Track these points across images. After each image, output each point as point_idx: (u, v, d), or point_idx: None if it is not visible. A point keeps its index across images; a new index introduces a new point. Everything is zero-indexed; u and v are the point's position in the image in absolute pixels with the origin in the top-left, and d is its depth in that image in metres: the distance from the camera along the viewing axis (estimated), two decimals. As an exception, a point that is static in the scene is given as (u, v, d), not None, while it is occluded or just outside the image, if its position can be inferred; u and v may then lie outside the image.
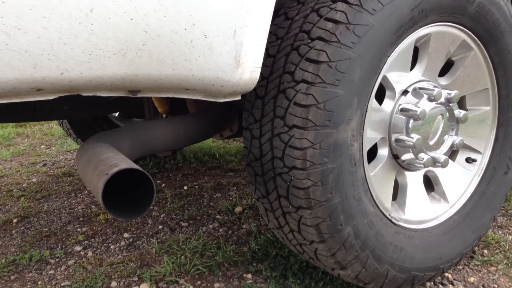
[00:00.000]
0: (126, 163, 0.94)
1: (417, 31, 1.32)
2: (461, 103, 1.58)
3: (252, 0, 1.03)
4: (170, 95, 1.11)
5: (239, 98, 1.16)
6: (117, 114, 2.95)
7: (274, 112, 1.21)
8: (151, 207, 2.20)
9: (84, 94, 1.02)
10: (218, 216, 2.06)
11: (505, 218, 1.97)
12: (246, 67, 1.07)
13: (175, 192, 2.39)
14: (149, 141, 1.41)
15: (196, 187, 2.46)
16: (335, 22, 1.17)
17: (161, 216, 2.10)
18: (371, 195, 1.28)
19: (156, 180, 2.61)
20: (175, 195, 2.35)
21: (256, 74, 1.10)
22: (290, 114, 1.16)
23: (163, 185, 2.53)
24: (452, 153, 1.57)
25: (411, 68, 1.41)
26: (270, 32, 1.30)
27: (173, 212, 2.13)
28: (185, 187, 2.46)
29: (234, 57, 1.05)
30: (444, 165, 1.41)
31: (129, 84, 1.01)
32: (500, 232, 1.85)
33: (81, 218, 2.13)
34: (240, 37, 1.04)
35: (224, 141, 3.41)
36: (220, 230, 1.93)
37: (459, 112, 1.46)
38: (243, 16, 1.03)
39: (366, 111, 1.24)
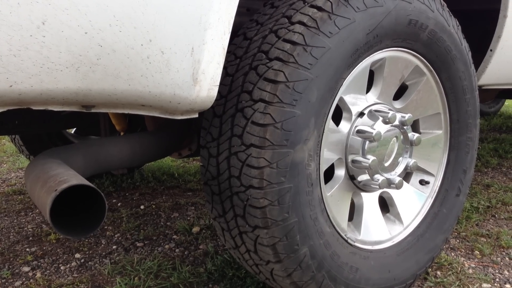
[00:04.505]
0: (76, 179, 0.91)
1: (372, 55, 1.36)
2: (415, 127, 1.62)
3: (210, 19, 1.04)
4: (126, 111, 1.09)
5: (196, 115, 1.16)
6: (73, 131, 2.87)
7: (231, 130, 1.20)
8: (105, 227, 2.14)
9: (34, 108, 0.99)
10: (174, 236, 2.02)
11: (458, 240, 2.02)
12: (203, 84, 1.06)
13: (131, 211, 2.33)
14: (103, 158, 1.38)
15: (153, 206, 2.41)
16: (293, 43, 1.18)
17: (116, 236, 2.04)
18: (328, 216, 1.29)
19: (112, 199, 2.54)
20: (131, 214, 2.29)
21: (214, 92, 1.10)
22: (248, 133, 1.16)
23: (119, 204, 2.46)
24: (406, 175, 1.61)
25: (367, 91, 1.44)
26: (228, 52, 1.31)
27: (128, 232, 2.07)
28: (142, 207, 2.40)
29: (191, 74, 1.04)
30: (398, 186, 1.44)
31: (82, 98, 0.99)
32: (452, 254, 1.89)
33: (30, 238, 2.04)
34: (198, 55, 1.04)
35: (183, 160, 3.37)
36: (177, 250, 1.89)
37: (412, 135, 1.50)
38: (201, 34, 1.03)
39: (323, 132, 1.25)
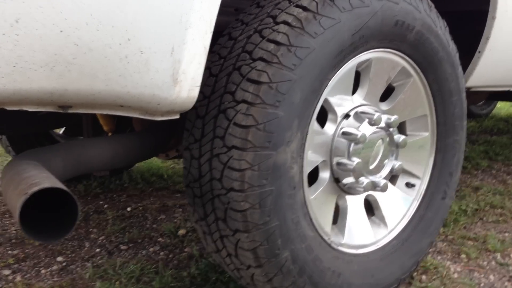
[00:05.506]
0: (49, 182, 0.89)
1: (358, 56, 1.34)
2: (402, 129, 1.61)
3: (191, 18, 1.01)
4: (105, 112, 1.07)
5: (177, 116, 1.13)
6: (61, 131, 2.84)
7: (214, 132, 1.18)
8: (90, 229, 2.11)
9: (8, 108, 0.96)
10: (160, 239, 2.00)
11: (445, 244, 2.01)
12: (184, 85, 1.04)
13: (118, 213, 2.30)
14: (84, 160, 1.35)
15: (140, 208, 2.38)
16: (277, 43, 1.17)
17: (100, 238, 2.01)
18: (311, 219, 1.27)
19: (98, 201, 2.51)
20: (117, 216, 2.26)
21: (195, 93, 1.07)
22: (230, 135, 1.14)
23: (105, 206, 2.43)
24: (393, 178, 1.59)
25: (353, 92, 1.42)
26: (213, 52, 1.29)
27: (113, 234, 2.04)
28: (129, 208, 2.37)
29: (171, 74, 1.02)
30: (383, 189, 1.42)
31: (57, 98, 0.96)
32: (439, 257, 1.88)
33: (13, 240, 2.00)
34: (178, 55, 1.02)
35: (174, 161, 3.34)
36: (161, 253, 1.86)
37: (398, 137, 1.48)
38: (181, 34, 1.01)
39: (307, 134, 1.23)
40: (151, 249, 1.89)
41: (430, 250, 1.92)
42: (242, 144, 1.12)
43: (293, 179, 1.18)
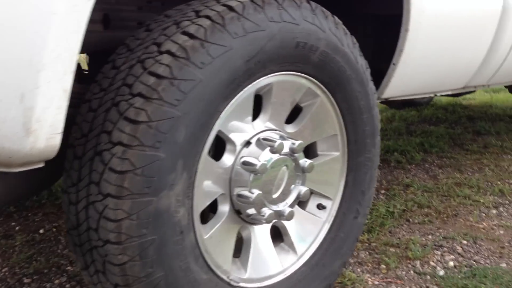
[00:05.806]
0: None
1: (256, 82, 1.26)
2: (313, 149, 1.55)
3: (45, 59, 0.90)
4: (-50, 166, 0.94)
5: (42, 165, 1.02)
6: None
7: (90, 176, 1.07)
8: (-6, 259, 1.95)
9: None
10: (69, 268, 1.87)
11: (367, 253, 1.98)
12: (39, 134, 0.92)
13: (28, 237, 2.14)
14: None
15: (54, 229, 2.23)
16: (158, 76, 1.07)
17: (3, 270, 1.86)
18: (205, 261, 1.19)
19: (11, 222, 2.34)
20: (26, 241, 2.11)
21: (56, 141, 0.96)
22: (105, 181, 1.04)
23: (17, 228, 2.26)
24: (302, 201, 1.54)
25: (256, 117, 1.35)
26: (95, 81, 1.17)
27: (18, 264, 1.90)
28: (41, 230, 2.22)
29: (22, 124, 0.90)
30: (288, 218, 1.36)
31: None
32: (359, 269, 1.86)
33: None
34: (30, 101, 0.90)
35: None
36: (67, 286, 1.74)
37: (304, 161, 1.42)
38: (33, 77, 0.89)
39: (197, 172, 1.15)
40: (56, 281, 1.76)
41: (351, 261, 1.90)
42: (118, 192, 1.02)
43: (179, 223, 1.10)
